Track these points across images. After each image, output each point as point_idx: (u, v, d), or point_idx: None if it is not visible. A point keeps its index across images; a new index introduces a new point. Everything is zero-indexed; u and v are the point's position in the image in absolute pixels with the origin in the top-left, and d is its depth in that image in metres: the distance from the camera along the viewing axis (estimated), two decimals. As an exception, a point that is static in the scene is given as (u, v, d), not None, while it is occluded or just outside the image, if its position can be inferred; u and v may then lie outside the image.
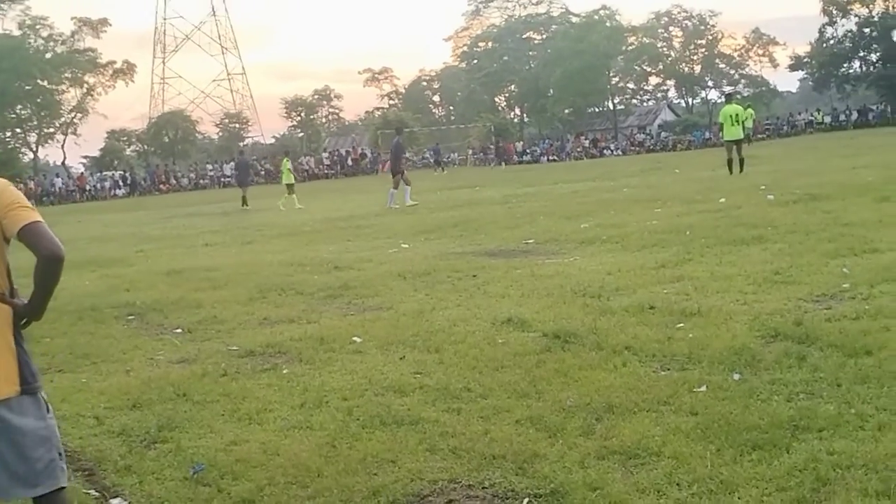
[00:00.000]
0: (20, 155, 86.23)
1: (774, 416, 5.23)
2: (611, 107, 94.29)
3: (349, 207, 28.91)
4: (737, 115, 25.58)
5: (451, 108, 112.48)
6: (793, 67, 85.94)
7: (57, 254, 3.64)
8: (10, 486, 3.73)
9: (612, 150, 72.66)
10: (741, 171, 24.99)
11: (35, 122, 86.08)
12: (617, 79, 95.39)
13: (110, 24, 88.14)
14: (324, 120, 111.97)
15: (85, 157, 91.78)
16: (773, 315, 7.71)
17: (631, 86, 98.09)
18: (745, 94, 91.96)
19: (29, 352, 3.81)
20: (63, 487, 3.87)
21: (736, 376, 6.10)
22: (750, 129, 50.20)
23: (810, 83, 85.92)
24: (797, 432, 5.00)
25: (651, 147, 72.03)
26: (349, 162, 75.67)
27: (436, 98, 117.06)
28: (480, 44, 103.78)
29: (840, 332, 6.88)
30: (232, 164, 63.24)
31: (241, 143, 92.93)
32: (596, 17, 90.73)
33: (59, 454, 3.84)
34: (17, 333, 3.75)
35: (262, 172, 74.14)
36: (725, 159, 25.78)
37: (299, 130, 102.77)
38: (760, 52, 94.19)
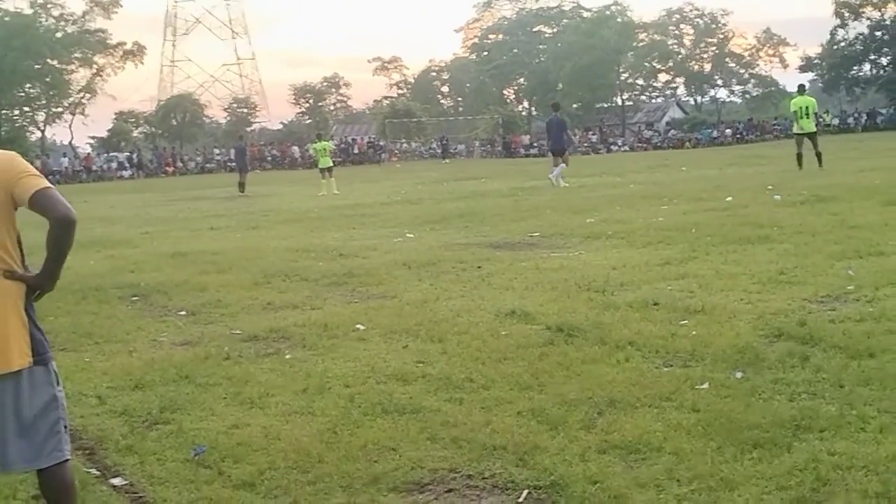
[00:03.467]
0: (27, 133, 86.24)
1: (776, 416, 5.23)
2: (619, 103, 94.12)
3: (355, 196, 28.89)
4: (807, 107, 24.70)
5: (460, 99, 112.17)
6: (803, 69, 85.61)
7: (69, 216, 3.68)
8: (17, 457, 3.76)
9: (619, 146, 72.52)
10: (819, 165, 24.15)
11: (43, 101, 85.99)
12: (626, 75, 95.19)
13: (121, 6, 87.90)
14: (332, 107, 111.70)
15: (92, 137, 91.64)
16: (776, 315, 7.71)
17: (640, 82, 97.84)
18: (755, 94, 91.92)
19: (39, 323, 3.85)
20: (68, 460, 3.90)
21: (738, 374, 6.10)
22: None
23: (820, 85, 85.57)
24: (798, 432, 5.00)
25: (658, 144, 71.91)
26: (356, 150, 75.46)
27: (444, 89, 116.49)
28: (491, 36, 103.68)
29: (844, 334, 6.87)
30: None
31: (248, 129, 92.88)
32: (607, 12, 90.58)
33: (65, 427, 3.89)
34: (28, 305, 3.79)
35: (269, 158, 74.15)
36: (795, 154, 25.02)
37: (307, 117, 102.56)
38: (771, 52, 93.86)
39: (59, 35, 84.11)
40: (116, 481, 4.96)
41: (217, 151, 77.25)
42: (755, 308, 8.06)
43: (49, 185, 3.72)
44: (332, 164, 33.68)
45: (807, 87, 28.07)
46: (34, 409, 3.76)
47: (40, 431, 3.77)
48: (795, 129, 25.51)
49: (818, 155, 24.60)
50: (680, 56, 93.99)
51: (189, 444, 5.41)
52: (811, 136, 24.85)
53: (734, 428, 5.09)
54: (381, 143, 75.38)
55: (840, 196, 16.32)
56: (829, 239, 11.61)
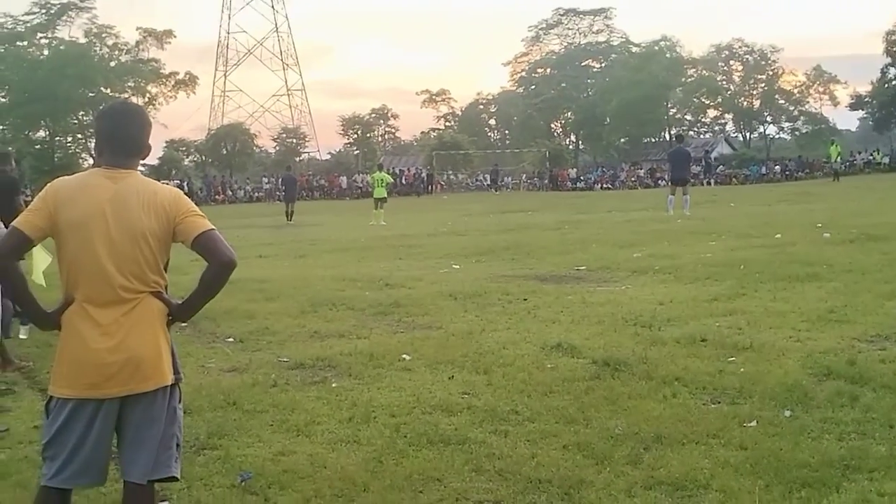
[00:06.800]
0: (80, 160, 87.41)
1: (825, 455, 5.19)
2: (667, 138, 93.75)
3: (401, 226, 28.97)
4: None
5: (507, 132, 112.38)
6: (853, 106, 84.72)
7: (234, 261, 3.85)
8: (140, 468, 3.79)
9: (666, 182, 72.12)
10: None
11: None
12: (675, 110, 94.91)
13: (175, 36, 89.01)
14: (380, 139, 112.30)
15: (143, 164, 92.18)
16: (826, 353, 7.64)
17: (688, 117, 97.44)
18: (804, 132, 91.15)
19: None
20: (175, 477, 3.97)
21: (787, 413, 6.06)
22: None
23: (870, 123, 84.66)
24: (848, 472, 4.96)
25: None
26: (403, 181, 75.68)
27: (492, 122, 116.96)
28: (539, 70, 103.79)
29: (894, 374, 6.81)
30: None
31: (297, 159, 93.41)
32: (656, 47, 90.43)
33: (177, 445, 3.94)
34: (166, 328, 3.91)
35: (317, 188, 74.60)
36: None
37: (355, 148, 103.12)
38: (821, 89, 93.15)
39: (112, 64, 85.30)
40: (164, 505, 4.99)
41: (266, 180, 77.85)
42: (804, 346, 7.99)
43: (212, 226, 3.87)
44: (385, 196, 33.98)
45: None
46: (167, 426, 3.83)
47: (169, 446, 3.84)
48: None
49: None
50: (729, 92, 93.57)
51: (236, 471, 5.45)
52: None
53: (782, 467, 5.05)
54: (429, 175, 75.25)
55: (890, 235, 16.11)
56: (878, 278, 11.49)
